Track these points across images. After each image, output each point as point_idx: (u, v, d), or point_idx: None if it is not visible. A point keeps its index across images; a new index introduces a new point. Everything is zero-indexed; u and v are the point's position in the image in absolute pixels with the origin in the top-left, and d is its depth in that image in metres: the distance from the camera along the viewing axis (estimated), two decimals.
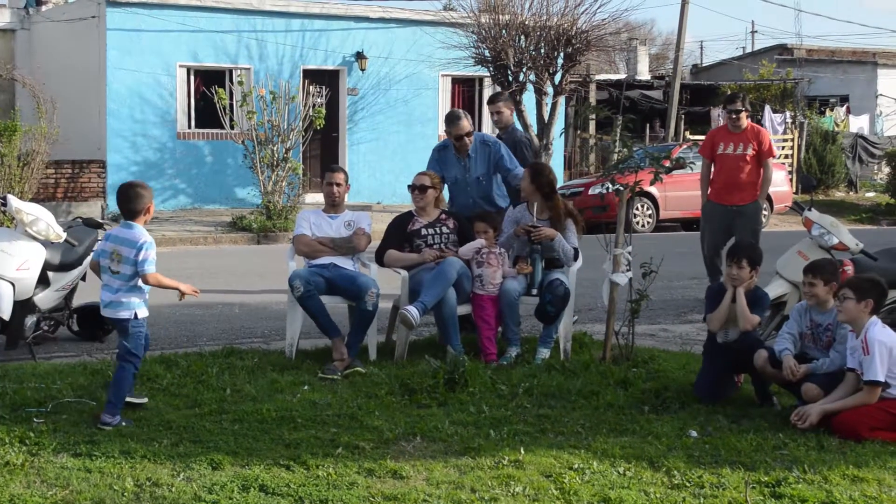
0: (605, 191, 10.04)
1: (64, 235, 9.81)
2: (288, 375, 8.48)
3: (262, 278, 15.54)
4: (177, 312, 12.28)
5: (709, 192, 12.60)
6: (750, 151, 12.23)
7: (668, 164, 10.00)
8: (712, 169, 12.62)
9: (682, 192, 24.15)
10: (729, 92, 34.17)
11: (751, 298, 8.08)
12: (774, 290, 9.99)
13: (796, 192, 30.56)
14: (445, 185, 10.22)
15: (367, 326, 9.12)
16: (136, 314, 7.44)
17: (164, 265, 17.09)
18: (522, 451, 6.59)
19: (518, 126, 11.27)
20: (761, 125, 34.98)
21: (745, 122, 12.42)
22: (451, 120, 10.13)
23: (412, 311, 8.82)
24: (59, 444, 6.51)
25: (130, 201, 7.67)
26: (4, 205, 9.70)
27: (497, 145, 10.26)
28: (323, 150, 27.30)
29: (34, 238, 9.57)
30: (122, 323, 7.42)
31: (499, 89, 25.99)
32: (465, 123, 10.05)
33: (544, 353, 9.24)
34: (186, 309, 12.50)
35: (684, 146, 26.39)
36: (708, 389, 7.97)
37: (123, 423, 7.01)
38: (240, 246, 21.65)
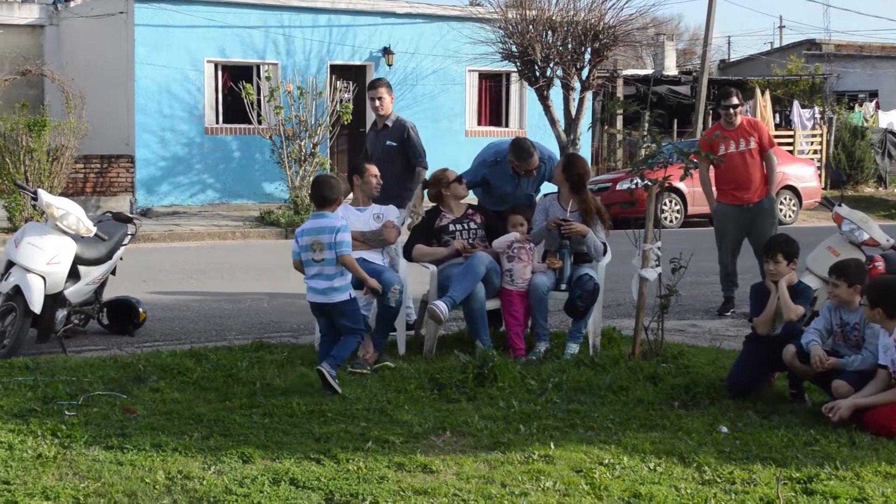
0: (634, 186, 10.05)
1: (94, 230, 9.85)
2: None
3: (290, 273, 15.50)
4: (206, 307, 12.34)
5: (716, 195, 12.18)
6: (752, 146, 11.85)
7: (697, 158, 9.94)
8: (712, 171, 12.11)
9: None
10: (756, 89, 34.09)
11: (793, 292, 8.03)
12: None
13: (825, 188, 30.44)
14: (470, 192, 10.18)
15: (390, 322, 9.10)
16: (350, 295, 8.07)
17: (192, 259, 17.30)
18: (552, 446, 6.58)
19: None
20: (790, 121, 35.09)
21: (740, 117, 12.00)
22: (523, 157, 9.80)
23: (441, 306, 8.82)
24: (91, 437, 6.53)
25: (325, 190, 8.22)
26: (36, 199, 9.75)
27: (551, 162, 10.10)
28: (350, 145, 27.33)
29: (64, 232, 9.61)
30: (340, 306, 8.05)
31: (527, 85, 26.04)
32: (536, 159, 9.86)
33: (573, 348, 9.23)
34: (215, 303, 12.57)
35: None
36: (741, 380, 7.93)
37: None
38: (267, 241, 21.69)
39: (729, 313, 11.87)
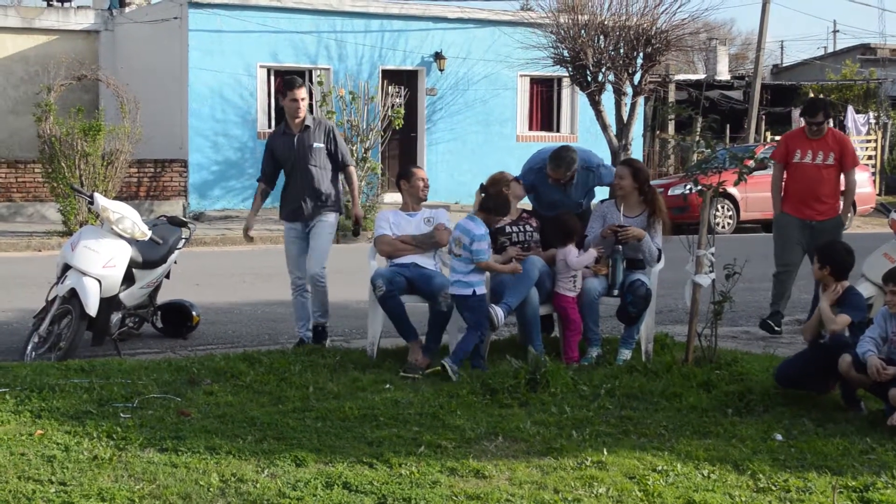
0: (687, 191, 9.96)
1: (149, 233, 9.92)
2: (370, 374, 8.51)
3: (341, 277, 15.55)
4: (258, 310, 12.40)
5: (783, 203, 11.39)
6: (831, 161, 11.03)
7: (751, 163, 9.84)
8: (785, 176, 11.37)
9: (763, 193, 23.67)
10: (811, 94, 33.80)
11: (842, 301, 7.98)
12: (860, 292, 9.83)
13: (879, 194, 30.17)
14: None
15: (442, 327, 9.12)
16: (474, 291, 8.75)
17: (244, 263, 17.39)
18: (605, 452, 6.56)
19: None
20: (844, 126, 34.79)
21: (826, 127, 11.17)
22: (556, 165, 9.64)
23: (497, 312, 8.81)
24: (146, 440, 6.58)
25: (488, 201, 9.01)
26: (92, 203, 9.84)
27: (598, 167, 9.96)
28: (402, 150, 27.39)
29: (120, 236, 9.69)
30: (462, 299, 8.78)
31: (578, 90, 25.99)
32: (568, 172, 9.65)
33: (626, 353, 9.19)
34: (267, 307, 12.64)
35: (767, 146, 26.12)
36: (788, 373, 7.97)
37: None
38: None
39: (778, 328, 11.11)
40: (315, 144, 10.11)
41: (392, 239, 9.52)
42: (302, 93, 10.08)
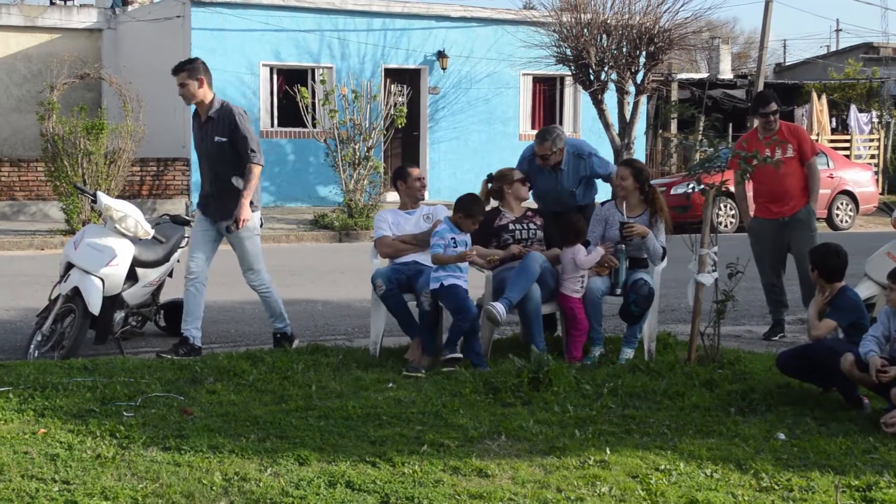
0: (690, 190, 9.95)
1: (152, 232, 9.93)
2: (372, 373, 8.51)
3: (344, 276, 15.63)
4: (261, 309, 12.37)
5: (752, 209, 11.28)
6: (790, 153, 10.82)
7: (753, 162, 9.82)
8: (749, 184, 10.71)
9: None
10: (813, 93, 33.76)
11: (835, 304, 8.02)
12: (863, 292, 9.83)
13: (882, 193, 30.14)
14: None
15: (433, 325, 9.11)
16: (441, 283, 8.87)
17: None
18: (608, 452, 6.56)
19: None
20: (847, 125, 34.77)
21: (778, 121, 10.97)
22: (539, 139, 9.84)
23: (498, 307, 8.80)
24: (149, 438, 6.58)
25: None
26: (95, 202, 9.84)
27: (591, 156, 10.03)
28: (404, 148, 27.41)
29: (123, 235, 9.70)
30: (435, 291, 8.93)
31: (581, 88, 26.00)
32: (547, 145, 9.78)
33: (628, 353, 9.19)
34: None
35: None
36: (790, 362, 8.00)
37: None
38: (321, 244, 21.79)
39: (777, 338, 10.92)
40: (216, 139, 9.49)
41: (392, 240, 9.51)
42: (181, 78, 9.51)
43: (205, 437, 6.63)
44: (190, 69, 9.48)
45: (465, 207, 9.05)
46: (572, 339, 9.21)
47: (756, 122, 11.32)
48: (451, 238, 8.97)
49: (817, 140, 31.28)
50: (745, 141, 11.09)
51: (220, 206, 9.56)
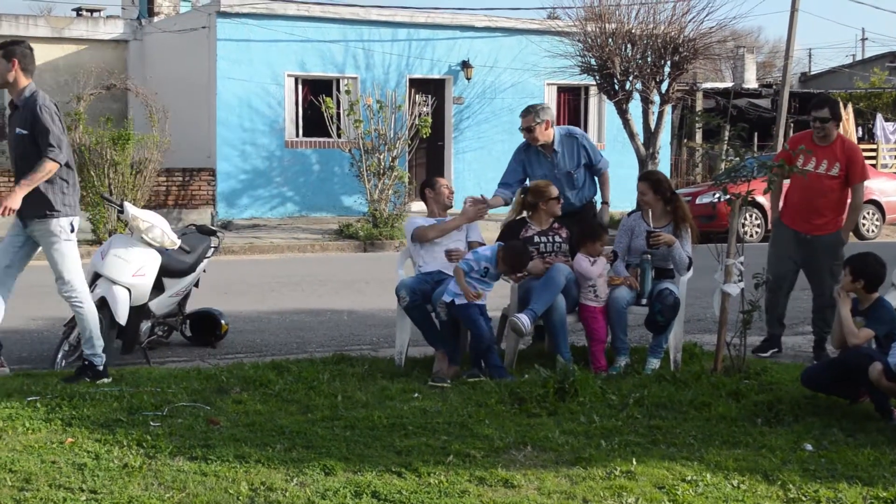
0: (716, 200, 9.91)
1: (178, 242, 9.95)
2: (398, 383, 8.52)
3: (369, 286, 15.64)
4: (286, 319, 12.43)
5: (781, 213, 10.57)
6: (836, 171, 10.06)
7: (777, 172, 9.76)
8: (785, 185, 10.48)
9: None
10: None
11: (870, 311, 7.95)
12: (892, 301, 9.77)
13: None
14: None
15: (454, 335, 9.11)
16: (453, 301, 8.87)
17: (272, 272, 17.46)
18: (634, 462, 6.54)
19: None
20: (873, 134, 34.62)
21: (835, 133, 10.17)
22: (527, 112, 10.03)
23: (523, 319, 8.80)
24: (176, 448, 6.60)
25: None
26: (122, 212, 9.88)
27: (583, 137, 10.13)
28: (429, 158, 27.42)
29: (150, 245, 9.72)
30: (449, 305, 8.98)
31: (605, 98, 25.99)
32: (532, 116, 9.90)
33: (654, 363, 9.16)
34: (296, 315, 12.67)
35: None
36: (814, 376, 7.96)
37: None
38: (346, 254, 21.82)
39: (768, 354, 10.39)
40: (17, 130, 8.56)
41: (426, 227, 9.56)
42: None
43: (231, 446, 6.64)
44: (6, 50, 8.49)
45: (511, 261, 9.04)
46: (590, 348, 9.21)
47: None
48: (485, 267, 8.98)
49: None
50: (795, 142, 10.46)
51: (26, 209, 8.57)
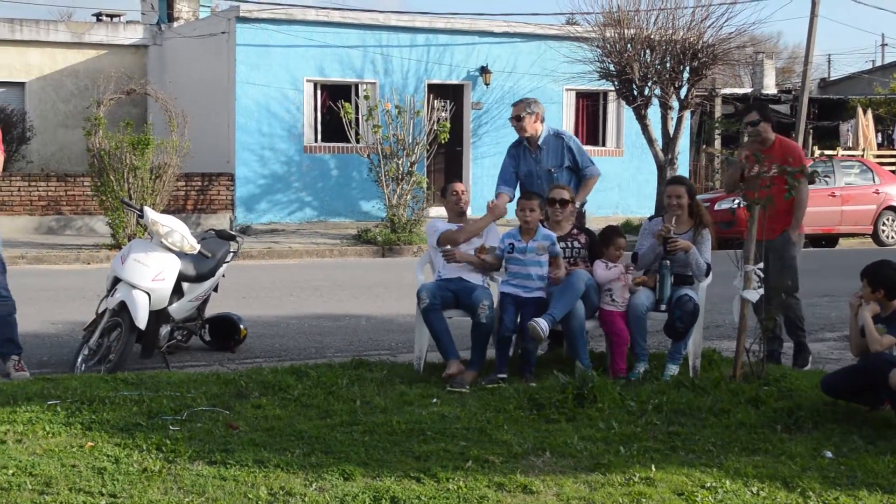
0: (735, 206, 9.87)
1: (198, 247, 9.98)
2: (416, 388, 8.52)
3: (387, 291, 15.65)
4: (305, 324, 12.45)
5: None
6: (774, 171, 9.29)
7: (800, 178, 9.71)
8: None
9: (810, 207, 23.64)
10: (858, 108, 33.49)
11: (892, 318, 7.92)
12: None
13: None
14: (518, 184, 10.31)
15: (484, 340, 9.12)
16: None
17: (291, 277, 17.49)
18: (653, 469, 6.53)
19: None
20: (892, 139, 34.49)
21: (772, 136, 10.05)
22: (518, 102, 10.37)
23: (541, 324, 8.79)
24: (195, 452, 6.61)
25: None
26: (142, 216, 9.92)
27: (570, 140, 10.26)
28: (447, 163, 27.42)
29: (169, 249, 9.75)
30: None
31: (624, 104, 25.97)
32: (522, 106, 10.15)
33: (673, 369, 9.14)
34: (314, 321, 12.68)
35: (817, 160, 25.99)
36: (834, 383, 7.93)
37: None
38: (364, 259, 21.84)
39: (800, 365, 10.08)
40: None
41: (448, 232, 9.58)
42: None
43: (250, 451, 6.65)
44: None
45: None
46: (610, 351, 9.22)
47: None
48: (510, 244, 9.24)
49: (863, 155, 31.07)
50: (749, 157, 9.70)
51: None
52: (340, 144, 25.92)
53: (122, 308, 9.41)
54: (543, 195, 9.68)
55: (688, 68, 25.05)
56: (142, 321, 9.36)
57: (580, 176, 10.20)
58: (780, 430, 7.53)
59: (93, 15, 32.24)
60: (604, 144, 29.55)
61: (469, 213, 10.02)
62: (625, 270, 9.29)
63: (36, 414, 7.40)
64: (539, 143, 10.14)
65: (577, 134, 29.21)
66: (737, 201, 9.41)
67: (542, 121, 10.22)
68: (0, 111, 27.02)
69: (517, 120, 10.14)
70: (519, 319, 9.02)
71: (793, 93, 38.24)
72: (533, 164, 10.16)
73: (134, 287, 9.43)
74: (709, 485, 6.28)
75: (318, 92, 26.41)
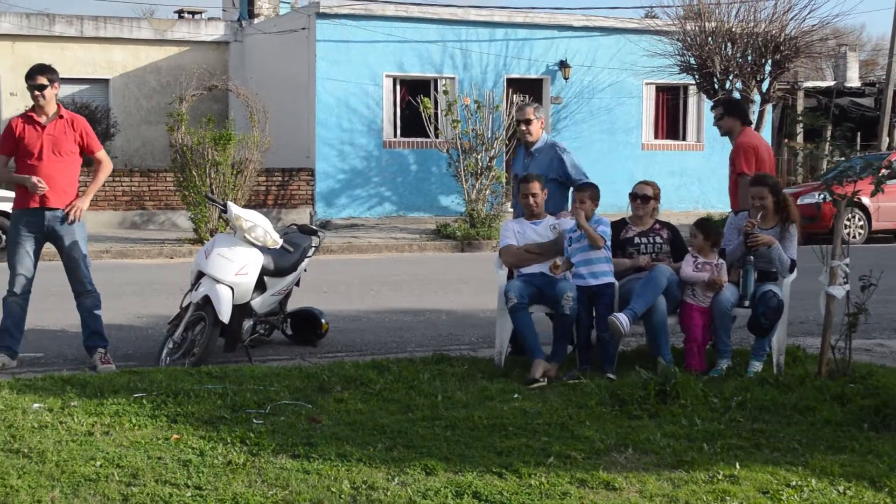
0: (821, 200, 9.74)
1: (280, 242, 10.05)
2: (497, 383, 8.51)
3: (467, 286, 15.66)
4: (385, 318, 12.49)
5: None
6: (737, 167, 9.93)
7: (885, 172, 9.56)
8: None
9: (890, 202, 23.33)
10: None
11: None
12: None
13: None
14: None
15: (568, 332, 9.09)
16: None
17: (371, 272, 17.57)
18: (737, 466, 6.46)
19: None
20: None
21: (738, 129, 10.14)
22: (520, 106, 10.40)
23: (622, 319, 8.74)
24: (278, 446, 6.66)
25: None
26: (225, 211, 10.01)
27: (563, 152, 10.06)
28: None
29: (252, 244, 9.83)
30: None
31: (704, 97, 25.75)
32: (531, 109, 10.07)
33: (757, 366, 9.04)
34: (394, 315, 12.73)
35: None
36: None
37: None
38: (444, 253, 21.87)
39: None
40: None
41: (517, 250, 9.49)
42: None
43: (333, 445, 6.68)
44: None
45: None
46: (686, 344, 9.18)
47: None
48: (569, 237, 9.24)
49: None
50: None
51: None
52: (419, 139, 25.98)
53: (206, 302, 9.50)
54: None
55: (769, 61, 24.78)
56: (225, 315, 9.44)
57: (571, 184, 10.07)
58: (867, 428, 7.41)
59: (175, 12, 32.62)
60: (684, 139, 29.35)
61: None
62: (717, 272, 9.13)
63: (122, 406, 7.50)
64: (533, 150, 10.07)
65: (656, 128, 29.08)
66: (822, 196, 9.27)
67: (544, 128, 10.21)
68: (85, 108, 27.43)
69: (527, 123, 10.02)
70: (594, 312, 9.02)
71: (877, 85, 37.64)
72: (523, 168, 10.08)
73: (217, 281, 9.52)
74: (794, 483, 6.20)
75: (398, 87, 26.50)
